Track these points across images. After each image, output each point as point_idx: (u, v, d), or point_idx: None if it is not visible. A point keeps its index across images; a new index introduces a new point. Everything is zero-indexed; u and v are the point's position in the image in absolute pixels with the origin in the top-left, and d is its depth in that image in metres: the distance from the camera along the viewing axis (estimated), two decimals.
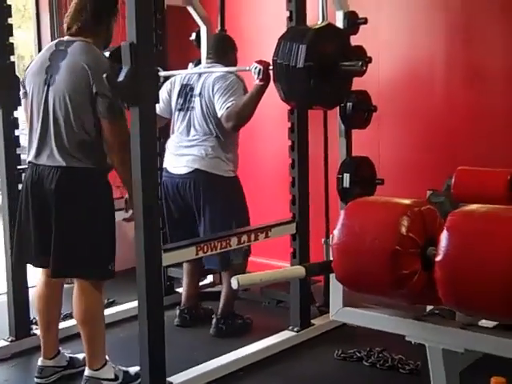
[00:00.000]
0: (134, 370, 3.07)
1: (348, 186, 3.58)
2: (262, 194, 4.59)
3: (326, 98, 3.13)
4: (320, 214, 3.92)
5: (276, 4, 3.79)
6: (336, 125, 3.67)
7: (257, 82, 3.27)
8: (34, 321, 3.59)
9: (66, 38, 2.97)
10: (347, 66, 3.04)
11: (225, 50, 3.77)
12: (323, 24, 3.21)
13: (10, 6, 3.38)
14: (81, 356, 3.21)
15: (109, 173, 2.99)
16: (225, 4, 4.25)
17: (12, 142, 3.40)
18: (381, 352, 3.33)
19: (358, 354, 3.36)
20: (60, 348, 3.20)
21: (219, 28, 4.19)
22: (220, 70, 3.62)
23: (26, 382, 3.25)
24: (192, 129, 3.61)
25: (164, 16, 4.24)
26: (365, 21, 3.61)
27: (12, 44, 3.38)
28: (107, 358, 3.04)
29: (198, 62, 4.02)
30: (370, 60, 3.61)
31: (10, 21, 3.37)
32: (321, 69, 2.97)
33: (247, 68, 3.31)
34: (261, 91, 3.31)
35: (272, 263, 4.36)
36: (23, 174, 3.33)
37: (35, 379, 3.11)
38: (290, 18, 3.42)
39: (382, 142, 4.25)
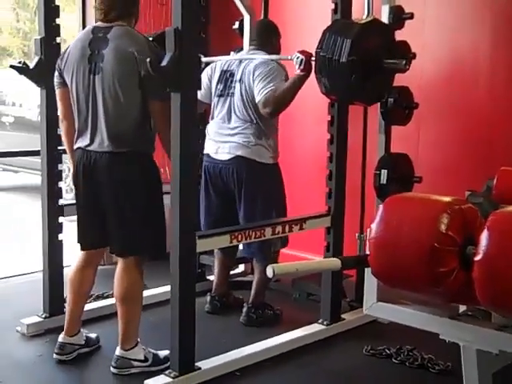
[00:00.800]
0: (163, 353, 3.10)
1: (385, 182, 3.54)
2: (297, 185, 4.57)
3: (366, 94, 3.12)
4: (355, 209, 3.90)
5: None
6: (376, 120, 3.64)
7: (298, 71, 3.26)
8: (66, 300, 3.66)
9: (99, 23, 2.98)
10: (391, 63, 3.02)
11: (268, 37, 3.76)
12: (369, 19, 3.18)
13: None
14: (93, 335, 3.33)
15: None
16: None
17: (54, 123, 3.44)
18: (411, 350, 3.30)
19: (388, 351, 3.34)
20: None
21: (262, 17, 4.19)
22: (262, 56, 3.61)
23: None
24: (233, 115, 3.60)
25: (208, 4, 4.24)
26: (411, 16, 3.55)
27: (58, 25, 3.42)
28: (138, 339, 3.08)
29: (240, 50, 4.02)
30: (414, 56, 3.56)
31: (56, 2, 3.41)
32: (364, 65, 2.95)
33: (289, 57, 3.30)
34: (301, 81, 3.29)
35: (304, 256, 4.36)
36: (63, 155, 3.40)
37: (55, 355, 3.18)
38: (334, 11, 3.40)
39: (422, 139, 4.20)
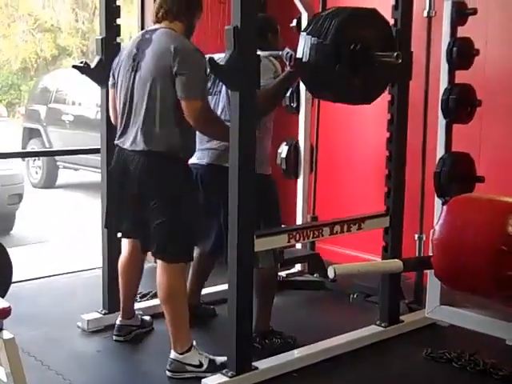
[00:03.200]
0: (220, 359, 3.03)
1: (446, 182, 3.47)
2: (356, 184, 4.52)
3: (354, 89, 2.91)
4: (414, 210, 3.82)
5: None
6: (436, 118, 3.56)
7: (288, 68, 3.03)
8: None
9: (151, 27, 3.06)
10: (381, 55, 2.85)
11: (261, 32, 3.37)
12: (368, 8, 3.01)
13: None
14: (147, 317, 3.53)
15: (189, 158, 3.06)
16: None
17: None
18: (472, 355, 3.18)
19: (448, 355, 3.23)
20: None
21: None
22: None
23: (118, 353, 3.36)
24: (221, 115, 3.29)
25: (265, 1, 4.23)
26: (474, 11, 3.47)
27: (119, 25, 3.45)
28: (194, 343, 3.05)
29: None
30: (477, 53, 3.49)
31: (118, 2, 3.45)
32: (351, 53, 2.79)
33: (279, 53, 3.11)
34: (289, 78, 3.04)
35: (361, 256, 4.31)
36: None
37: (114, 337, 3.38)
38: (395, 7, 3.34)
39: (484, 138, 4.08)
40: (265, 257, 3.18)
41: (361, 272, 1.86)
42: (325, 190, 4.56)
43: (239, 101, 2.74)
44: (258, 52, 3.16)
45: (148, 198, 2.95)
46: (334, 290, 4.20)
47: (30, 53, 15.89)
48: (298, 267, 4.58)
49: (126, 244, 3.32)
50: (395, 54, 2.81)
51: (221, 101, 3.31)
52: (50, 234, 6.61)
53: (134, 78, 2.97)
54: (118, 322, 3.38)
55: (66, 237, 6.07)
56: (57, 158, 8.51)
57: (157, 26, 3.02)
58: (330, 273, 1.80)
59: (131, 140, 2.97)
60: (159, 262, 3.03)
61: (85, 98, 8.61)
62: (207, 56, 2.70)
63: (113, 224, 3.27)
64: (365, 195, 4.36)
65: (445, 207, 1.84)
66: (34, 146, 9.22)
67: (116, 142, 3.09)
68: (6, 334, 2.41)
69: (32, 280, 4.31)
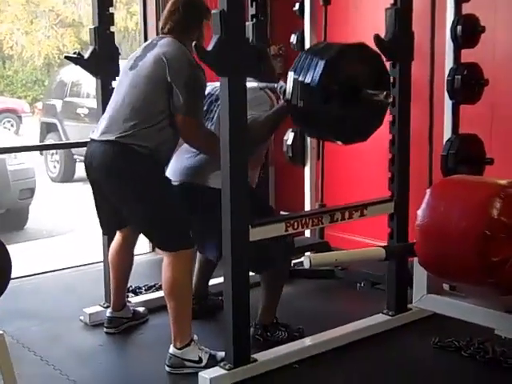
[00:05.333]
0: (221, 354, 2.95)
1: (453, 165, 3.36)
2: (365, 170, 4.41)
3: (343, 128, 2.85)
4: (422, 195, 3.70)
5: None
6: (443, 99, 3.44)
7: (282, 101, 3.00)
8: (130, 289, 3.68)
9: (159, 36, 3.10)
10: (369, 94, 2.78)
11: (257, 64, 3.27)
12: (355, 42, 2.93)
13: None
14: (141, 309, 3.54)
15: (161, 157, 2.97)
16: None
17: None
18: (482, 343, 3.09)
19: (457, 344, 3.14)
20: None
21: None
22: (248, 83, 3.10)
23: (118, 347, 3.34)
24: None
25: None
26: None
27: (112, 14, 3.40)
28: (195, 338, 2.99)
29: None
30: (483, 29, 3.36)
31: None
32: (339, 93, 2.74)
33: (275, 85, 3.12)
34: (282, 112, 2.98)
35: (372, 242, 4.21)
36: None
37: (105, 329, 3.38)
38: (394, 3, 3.22)
39: (496, 118, 3.94)
40: (277, 252, 3.08)
41: (339, 261, 1.77)
42: (333, 177, 4.47)
43: (228, 86, 2.67)
44: (255, 83, 3.21)
45: (115, 187, 2.94)
46: (343, 279, 4.12)
47: (52, 48, 16.01)
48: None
49: (116, 235, 3.31)
50: (384, 93, 2.76)
51: (213, 127, 3.17)
52: (65, 229, 6.62)
53: (129, 75, 2.98)
54: (108, 314, 3.39)
55: (80, 231, 6.05)
56: (74, 151, 8.51)
57: (164, 36, 3.03)
58: (306, 262, 1.71)
59: (103, 129, 2.94)
60: (164, 255, 2.98)
61: None
62: (193, 43, 2.62)
63: (103, 224, 3.27)
64: (374, 181, 4.24)
65: (428, 190, 1.74)
66: (51, 139, 9.27)
67: (92, 136, 3.02)
68: None
69: (37, 275, 4.30)
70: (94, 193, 3.14)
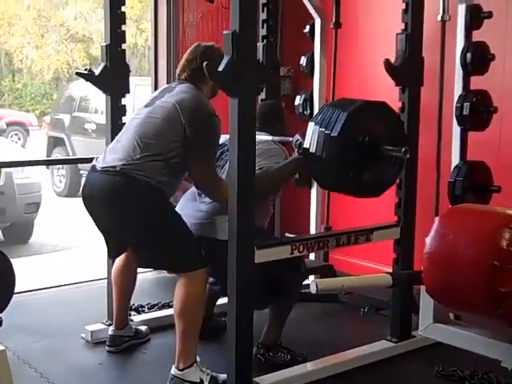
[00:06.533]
0: (223, 377, 2.92)
1: (460, 192, 3.35)
2: None
3: (360, 183, 2.87)
4: (429, 221, 3.68)
5: None
6: (451, 125, 3.44)
7: (296, 154, 3.06)
8: (132, 307, 3.66)
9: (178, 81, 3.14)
10: (388, 150, 2.81)
11: (268, 120, 3.47)
12: (376, 101, 2.97)
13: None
14: (143, 328, 3.52)
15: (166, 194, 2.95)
16: None
17: (119, 129, 3.42)
18: (486, 373, 3.04)
19: (461, 374, 3.10)
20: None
21: (334, 21, 4.07)
22: (264, 137, 3.34)
23: (119, 367, 3.31)
24: None
25: (277, 7, 4.16)
26: (489, 15, 3.36)
27: (124, 32, 3.42)
28: (198, 359, 2.96)
29: None
30: (493, 57, 3.38)
31: (123, 9, 3.41)
32: (358, 147, 2.77)
33: (290, 139, 3.15)
34: (297, 164, 3.03)
35: (376, 267, 4.19)
36: None
37: (106, 347, 3.37)
38: (405, 11, 3.23)
39: (504, 145, 3.94)
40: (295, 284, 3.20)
41: (346, 287, 1.76)
42: (339, 200, 4.44)
43: (238, 108, 2.66)
44: (269, 137, 3.32)
45: (120, 217, 2.90)
46: (347, 303, 4.08)
47: (62, 63, 16.11)
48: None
49: (120, 258, 3.29)
50: (403, 149, 2.78)
51: (224, 175, 3.16)
52: (69, 244, 6.61)
53: (144, 111, 2.99)
54: (110, 332, 3.38)
55: (85, 246, 6.04)
56: (80, 166, 8.53)
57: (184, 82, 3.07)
58: (312, 287, 1.70)
59: (108, 159, 2.92)
60: (180, 275, 2.94)
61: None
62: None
63: (111, 251, 3.21)
64: (381, 205, 4.23)
65: (437, 218, 1.72)
66: (57, 154, 9.31)
67: (95, 163, 3.00)
68: None
69: (39, 290, 4.28)
70: (96, 226, 3.06)
